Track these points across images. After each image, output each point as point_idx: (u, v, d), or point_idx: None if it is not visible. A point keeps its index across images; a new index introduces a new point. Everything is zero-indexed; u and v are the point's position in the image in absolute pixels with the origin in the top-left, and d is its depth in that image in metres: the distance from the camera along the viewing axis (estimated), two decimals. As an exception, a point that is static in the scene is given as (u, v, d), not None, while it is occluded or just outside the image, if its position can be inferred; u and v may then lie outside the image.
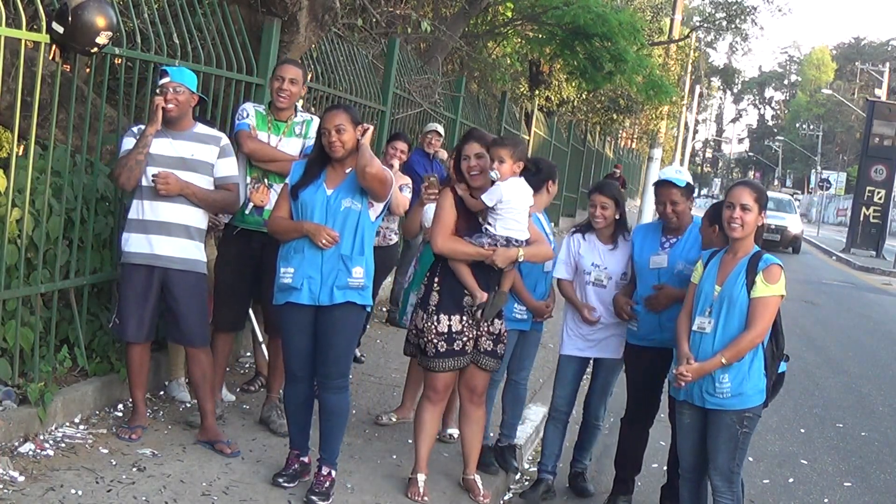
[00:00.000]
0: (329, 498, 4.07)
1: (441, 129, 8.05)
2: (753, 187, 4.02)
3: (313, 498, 4.03)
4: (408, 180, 6.00)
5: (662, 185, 4.53)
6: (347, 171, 4.05)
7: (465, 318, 4.22)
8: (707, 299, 4.00)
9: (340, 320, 4.02)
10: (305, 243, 3.99)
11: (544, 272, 4.80)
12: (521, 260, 4.22)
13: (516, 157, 4.20)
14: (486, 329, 4.26)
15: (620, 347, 4.79)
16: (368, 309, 4.19)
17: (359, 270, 4.01)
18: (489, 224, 4.19)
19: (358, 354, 6.79)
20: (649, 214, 20.42)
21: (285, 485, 4.15)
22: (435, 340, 4.21)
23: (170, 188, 4.28)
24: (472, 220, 4.25)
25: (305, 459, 4.26)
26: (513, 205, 4.17)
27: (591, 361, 4.93)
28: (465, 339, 4.23)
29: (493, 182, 4.16)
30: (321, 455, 4.14)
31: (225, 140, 4.54)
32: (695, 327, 4.01)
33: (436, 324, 4.21)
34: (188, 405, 5.01)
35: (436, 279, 4.25)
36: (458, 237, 4.19)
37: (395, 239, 6.57)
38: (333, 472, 4.13)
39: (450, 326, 4.20)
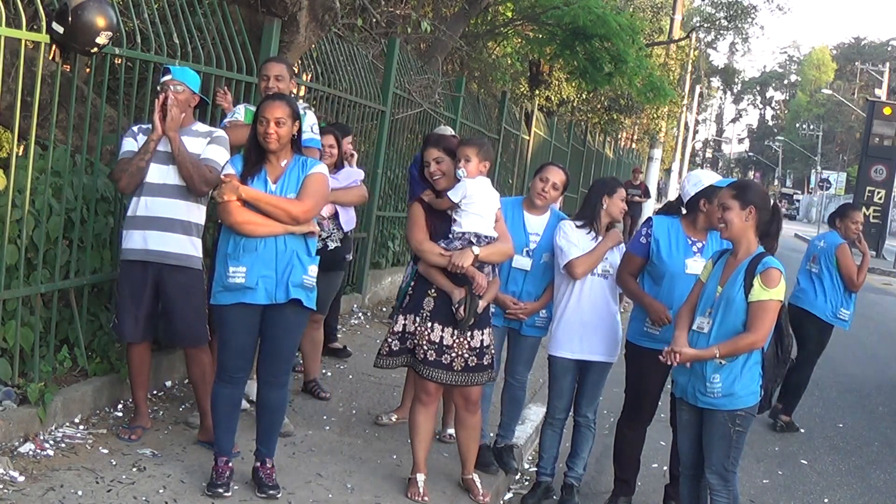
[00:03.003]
0: (279, 488, 4.09)
1: (451, 132, 7.96)
2: (730, 186, 4.06)
3: (271, 492, 4.04)
4: (361, 174, 5.93)
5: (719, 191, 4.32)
6: (283, 163, 4.00)
7: (456, 331, 4.20)
8: (709, 300, 4.00)
9: (292, 319, 4.00)
10: (258, 242, 3.89)
11: (520, 269, 4.73)
12: (477, 255, 4.16)
13: (482, 157, 4.25)
14: (467, 345, 4.23)
15: (614, 349, 4.74)
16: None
17: (314, 269, 4.01)
18: (456, 223, 4.20)
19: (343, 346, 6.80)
20: (649, 214, 20.43)
21: (225, 494, 4.00)
22: (426, 347, 4.20)
23: (170, 120, 4.23)
24: (442, 225, 4.25)
25: (231, 464, 4.13)
26: (477, 200, 4.19)
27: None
28: (454, 354, 4.21)
29: (458, 180, 4.21)
30: (262, 450, 4.12)
31: (218, 132, 4.53)
32: (695, 327, 4.01)
33: (429, 331, 4.20)
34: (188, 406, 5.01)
35: (433, 286, 4.24)
36: (434, 242, 4.21)
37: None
38: (273, 463, 4.16)
39: (442, 338, 4.20)
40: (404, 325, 4.28)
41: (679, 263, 4.49)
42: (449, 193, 4.20)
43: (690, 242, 4.54)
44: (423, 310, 4.23)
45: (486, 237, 4.21)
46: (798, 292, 7.02)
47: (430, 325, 4.21)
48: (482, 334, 4.28)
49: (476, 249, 4.16)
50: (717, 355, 3.87)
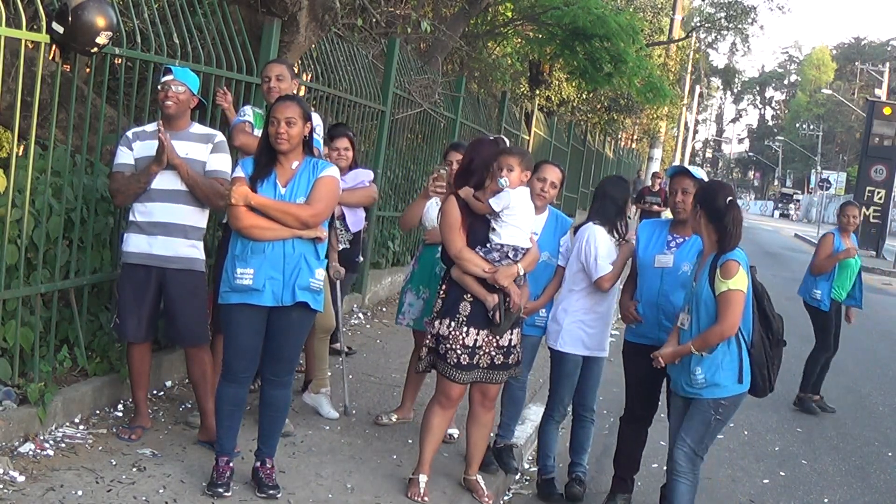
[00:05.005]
0: (279, 488, 4.10)
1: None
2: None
3: (271, 492, 4.04)
4: (370, 175, 5.92)
5: (678, 174, 4.60)
6: (293, 166, 4.00)
7: (487, 332, 4.21)
8: (688, 296, 4.16)
9: (297, 322, 4.02)
10: (267, 244, 3.89)
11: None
12: (521, 273, 4.20)
13: (524, 166, 4.22)
14: (495, 343, 4.23)
15: (609, 343, 4.94)
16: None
17: (321, 272, 4.03)
18: (494, 233, 4.18)
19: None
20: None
21: (225, 494, 4.00)
22: (459, 351, 4.18)
23: (170, 151, 4.20)
24: (481, 229, 4.22)
25: (232, 464, 4.13)
26: (518, 212, 4.17)
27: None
28: (482, 353, 4.22)
29: (501, 189, 4.16)
30: (264, 449, 4.13)
31: (220, 137, 4.53)
32: (678, 323, 4.16)
33: (464, 336, 4.18)
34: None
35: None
36: (473, 250, 4.18)
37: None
38: (273, 463, 4.17)
39: (475, 341, 4.19)
40: (438, 329, 4.25)
41: (649, 257, 4.61)
42: (491, 201, 4.15)
43: (670, 238, 4.61)
44: (458, 314, 4.20)
45: (523, 249, 4.22)
46: None
47: (465, 329, 4.18)
48: (511, 334, 4.28)
49: (521, 270, 4.18)
50: (692, 351, 4.03)
